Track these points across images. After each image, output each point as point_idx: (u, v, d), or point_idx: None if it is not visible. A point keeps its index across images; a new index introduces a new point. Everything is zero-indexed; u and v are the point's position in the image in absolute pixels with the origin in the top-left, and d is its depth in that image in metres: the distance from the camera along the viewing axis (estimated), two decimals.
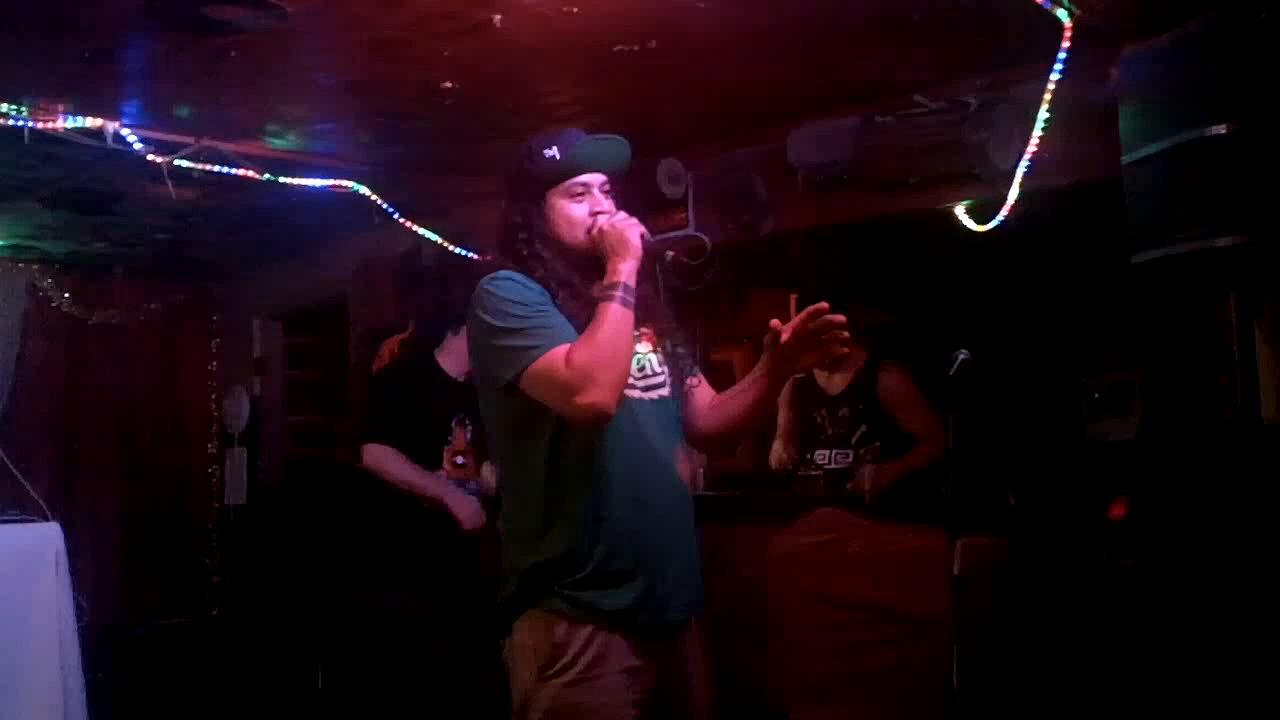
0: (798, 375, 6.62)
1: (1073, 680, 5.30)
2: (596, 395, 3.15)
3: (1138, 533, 5.43)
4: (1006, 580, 5.47)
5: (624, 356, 3.25)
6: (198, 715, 7.84)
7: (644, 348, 3.48)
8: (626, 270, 3.32)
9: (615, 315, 3.23)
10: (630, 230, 3.36)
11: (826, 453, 6.43)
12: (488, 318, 3.31)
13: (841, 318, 3.31)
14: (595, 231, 3.41)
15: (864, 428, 6.35)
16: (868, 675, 5.49)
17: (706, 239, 3.57)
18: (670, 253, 3.44)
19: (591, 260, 3.43)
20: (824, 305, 3.32)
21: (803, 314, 3.33)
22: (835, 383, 6.49)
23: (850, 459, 6.37)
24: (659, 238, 3.52)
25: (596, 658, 3.24)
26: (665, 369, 3.53)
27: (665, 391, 3.50)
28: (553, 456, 3.31)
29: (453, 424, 6.06)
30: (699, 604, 3.49)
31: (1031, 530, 5.64)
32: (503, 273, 3.39)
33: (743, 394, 3.60)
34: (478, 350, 3.42)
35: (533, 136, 3.57)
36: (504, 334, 3.27)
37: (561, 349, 3.20)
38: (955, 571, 4.57)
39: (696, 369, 3.74)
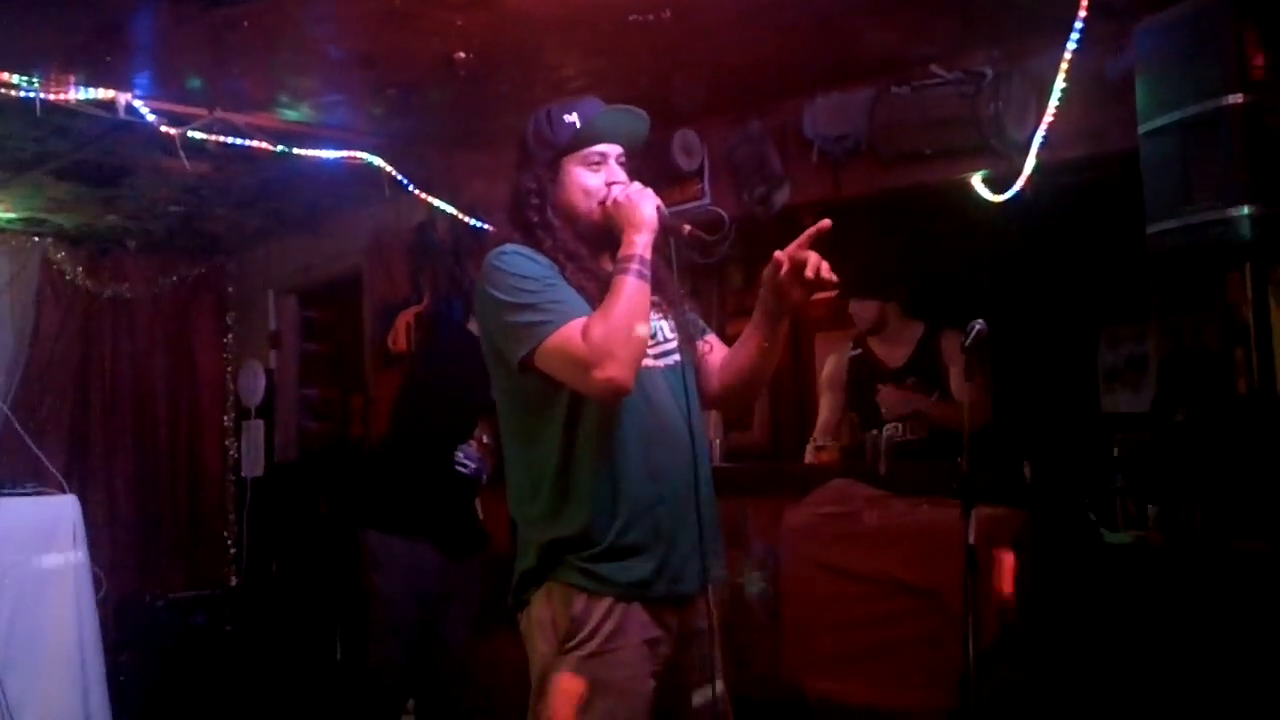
0: (851, 354, 6.63)
1: (1087, 652, 5.29)
2: (614, 370, 3.11)
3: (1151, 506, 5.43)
4: (1021, 552, 5.47)
5: (640, 333, 3.20)
6: (216, 688, 7.85)
7: (654, 315, 3.41)
8: (642, 243, 3.27)
9: (632, 288, 3.20)
10: (646, 202, 3.32)
11: (898, 426, 6.39)
12: (498, 294, 3.27)
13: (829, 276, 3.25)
14: (610, 203, 3.37)
15: (936, 395, 6.34)
16: (881, 647, 5.49)
17: (724, 213, 3.50)
18: (687, 227, 3.37)
19: (602, 232, 3.40)
20: (826, 224, 3.26)
21: (803, 236, 3.26)
22: (895, 355, 6.47)
23: (927, 430, 6.35)
24: (674, 210, 3.49)
25: (615, 630, 3.23)
26: (676, 335, 3.49)
27: (677, 358, 3.46)
28: (567, 432, 3.28)
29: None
30: (719, 571, 3.46)
31: (1046, 502, 5.63)
32: (509, 247, 3.35)
33: (746, 343, 3.54)
34: (488, 328, 3.38)
35: (550, 105, 3.51)
36: (516, 310, 3.23)
37: (576, 323, 3.17)
38: (970, 543, 4.56)
39: (709, 331, 3.71)
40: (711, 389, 3.61)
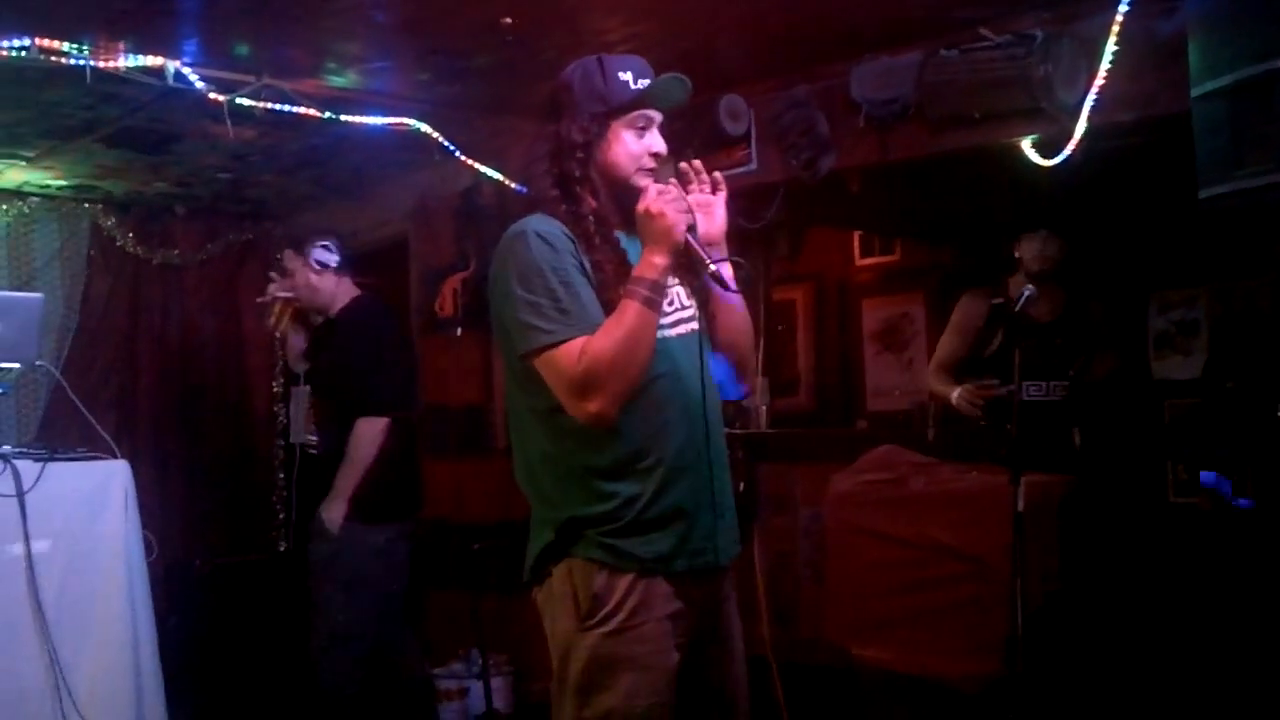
0: (994, 301, 6.38)
1: (1135, 619, 5.28)
2: (599, 404, 3.09)
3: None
4: (1070, 518, 5.46)
5: (638, 365, 3.14)
6: (266, 651, 7.89)
7: (671, 280, 3.34)
8: (660, 266, 3.19)
9: (638, 318, 3.13)
10: (679, 223, 3.20)
11: (1042, 384, 6.21)
12: (512, 281, 3.21)
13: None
14: (642, 210, 3.24)
15: (1082, 359, 6.18)
16: (928, 612, 5.49)
17: (747, 265, 3.42)
18: (711, 265, 3.26)
19: (634, 202, 3.29)
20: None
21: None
22: (1041, 311, 6.18)
23: (1069, 390, 6.19)
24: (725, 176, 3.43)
25: (638, 606, 3.20)
26: (694, 301, 3.42)
27: (694, 325, 3.39)
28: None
29: None
30: (736, 545, 3.45)
31: (1095, 468, 5.61)
32: (533, 227, 3.25)
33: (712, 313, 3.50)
34: (497, 305, 3.31)
35: (599, 55, 3.43)
36: (524, 306, 3.17)
37: (576, 344, 3.11)
38: (1018, 509, 4.56)
39: None
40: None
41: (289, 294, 6.23)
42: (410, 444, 6.36)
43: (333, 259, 6.26)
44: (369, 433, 6.02)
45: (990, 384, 6.05)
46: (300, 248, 6.31)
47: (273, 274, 6.34)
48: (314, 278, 6.27)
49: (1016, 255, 6.21)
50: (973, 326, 6.44)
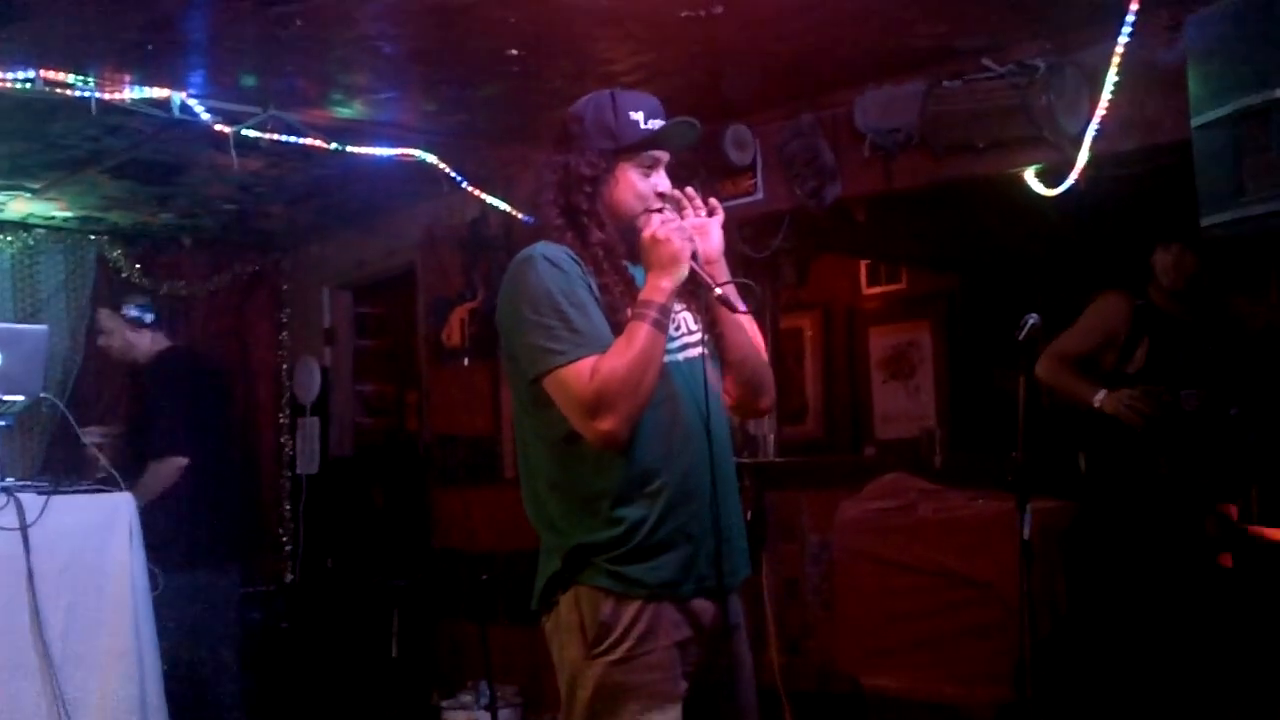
0: (1137, 302, 6.08)
1: (1144, 644, 5.27)
2: (611, 423, 3.09)
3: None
4: (1076, 544, 5.46)
5: (648, 386, 3.14)
6: (272, 684, 7.89)
7: (677, 305, 3.34)
8: (666, 290, 3.20)
9: (647, 339, 3.13)
10: (684, 250, 3.23)
11: (1195, 392, 5.66)
12: (522, 305, 3.22)
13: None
14: (648, 237, 3.26)
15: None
16: (938, 639, 5.49)
17: (757, 288, 3.41)
18: (717, 290, 3.26)
19: (637, 239, 3.32)
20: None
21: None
22: (1176, 310, 5.83)
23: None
24: (725, 205, 3.44)
25: (645, 634, 3.19)
26: (700, 326, 3.40)
27: (699, 350, 3.37)
28: (579, 435, 3.21)
29: None
30: (744, 569, 3.43)
31: (1101, 495, 5.61)
32: (541, 252, 3.27)
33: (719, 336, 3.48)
34: (507, 329, 3.32)
35: (613, 90, 3.44)
36: (534, 330, 3.18)
37: (587, 363, 3.12)
38: (1025, 536, 4.56)
39: None
40: (727, 391, 3.51)
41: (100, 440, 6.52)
42: (218, 493, 6.80)
43: (148, 316, 6.95)
44: (152, 474, 6.48)
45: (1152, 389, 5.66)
46: (118, 308, 6.98)
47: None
48: (130, 334, 6.92)
49: (1152, 266, 5.95)
50: (1108, 328, 5.91)
